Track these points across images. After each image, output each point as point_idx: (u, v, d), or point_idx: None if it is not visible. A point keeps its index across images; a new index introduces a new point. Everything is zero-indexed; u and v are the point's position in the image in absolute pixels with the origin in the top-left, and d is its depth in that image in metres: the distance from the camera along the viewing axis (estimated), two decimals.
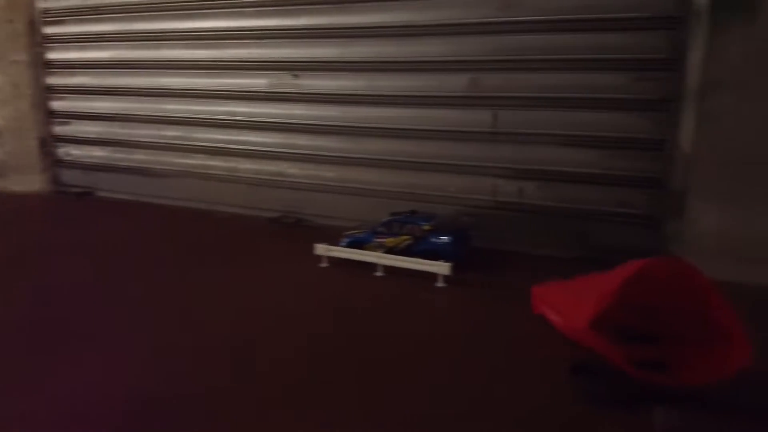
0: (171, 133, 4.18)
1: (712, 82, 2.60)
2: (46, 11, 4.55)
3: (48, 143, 4.72)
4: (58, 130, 4.70)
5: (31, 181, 4.74)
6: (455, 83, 3.24)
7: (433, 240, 2.86)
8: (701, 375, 1.76)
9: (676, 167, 2.71)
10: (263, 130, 3.84)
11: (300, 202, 3.79)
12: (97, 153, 4.55)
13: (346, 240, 3.02)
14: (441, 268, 2.64)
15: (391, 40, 3.39)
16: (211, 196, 4.06)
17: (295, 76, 3.64)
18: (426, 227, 2.88)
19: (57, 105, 4.67)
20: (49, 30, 4.58)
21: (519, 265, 2.99)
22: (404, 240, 2.91)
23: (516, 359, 2.03)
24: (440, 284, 2.67)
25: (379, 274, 2.83)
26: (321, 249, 2.96)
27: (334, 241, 3.01)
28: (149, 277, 2.87)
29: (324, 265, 2.95)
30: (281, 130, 3.79)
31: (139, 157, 4.35)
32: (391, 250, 2.90)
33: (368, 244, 2.97)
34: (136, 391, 1.83)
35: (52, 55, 4.62)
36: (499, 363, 2.01)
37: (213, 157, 4.04)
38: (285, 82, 3.69)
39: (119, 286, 2.75)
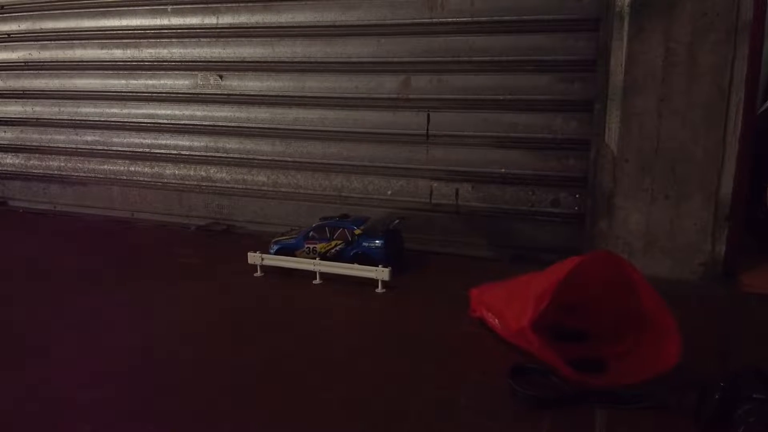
0: (89, 137, 3.96)
1: (634, 83, 2.66)
2: None
3: None
4: None
5: None
6: (386, 85, 3.21)
7: (365, 244, 2.83)
8: (637, 372, 1.80)
9: (603, 167, 2.78)
10: (188, 134, 3.70)
11: (230, 208, 3.68)
12: (9, 160, 4.27)
13: (275, 247, 2.94)
14: (380, 273, 2.62)
15: (319, 39, 3.31)
16: (135, 204, 3.89)
17: (220, 76, 3.52)
18: (357, 231, 2.85)
19: None
20: None
21: (457, 268, 3.00)
22: (336, 244, 2.86)
23: (456, 363, 2.02)
24: (380, 290, 2.64)
25: (316, 282, 2.78)
26: (254, 258, 2.87)
27: (266, 249, 2.94)
28: (65, 298, 2.68)
29: (258, 274, 2.87)
30: (207, 133, 3.65)
31: (55, 164, 4.11)
32: (323, 256, 2.85)
33: (299, 250, 2.90)
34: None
35: None
36: (441, 367, 2.00)
37: (135, 163, 3.86)
38: (210, 83, 3.56)
39: (29, 308, 2.57)
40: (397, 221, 2.97)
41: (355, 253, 2.81)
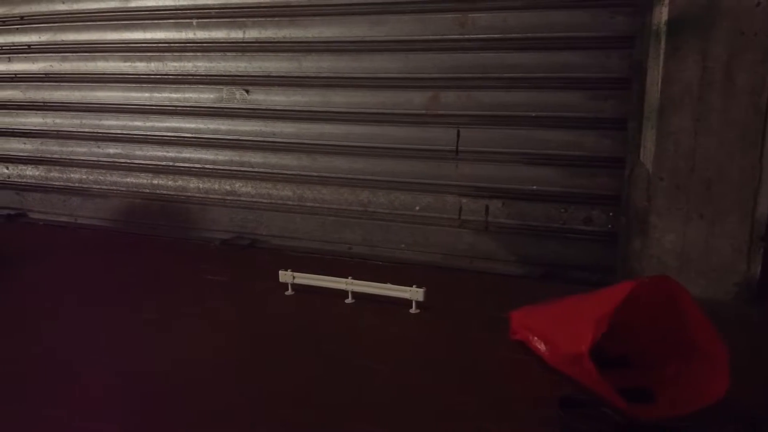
0: (111, 150, 3.94)
1: (670, 101, 2.65)
2: None
3: None
4: None
5: None
6: (414, 100, 3.19)
7: None
8: (686, 403, 1.77)
9: (638, 185, 2.76)
10: (212, 147, 3.68)
11: (254, 222, 3.66)
12: (29, 172, 4.25)
13: None
14: (415, 294, 2.60)
15: (346, 54, 3.30)
16: (157, 217, 3.87)
17: (246, 91, 3.50)
18: None
19: None
20: None
21: (487, 287, 2.98)
22: None
23: (499, 392, 1.99)
24: (413, 310, 2.62)
25: (348, 300, 2.75)
26: (285, 276, 2.85)
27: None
28: (89, 316, 2.65)
29: (289, 292, 2.85)
30: (232, 147, 3.64)
31: (76, 176, 4.09)
32: None
33: None
34: None
35: None
36: (483, 396, 1.97)
37: (158, 176, 3.85)
38: (235, 97, 3.54)
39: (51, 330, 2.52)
40: None
41: None
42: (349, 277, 2.77)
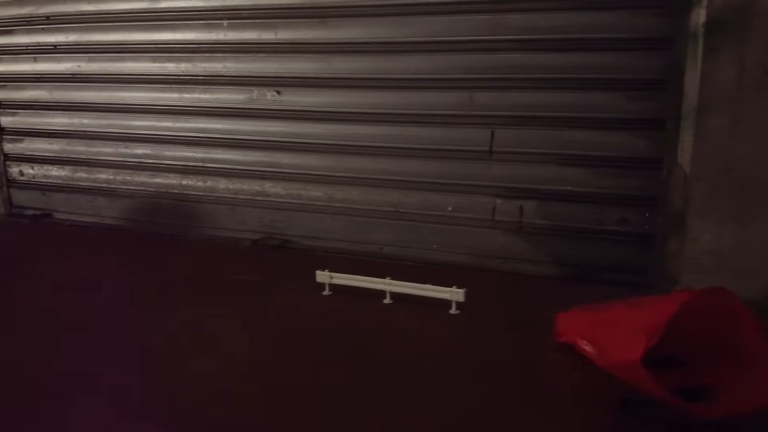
0: (139, 151, 3.95)
1: (707, 103, 2.65)
2: None
3: None
4: (10, 147, 4.38)
5: None
6: (446, 101, 3.20)
7: None
8: (745, 404, 1.79)
9: (675, 186, 2.77)
10: (242, 148, 3.68)
11: (283, 223, 3.67)
12: (55, 173, 4.26)
13: None
14: (455, 294, 2.61)
15: (378, 55, 3.31)
16: (185, 218, 3.88)
17: (278, 92, 3.51)
18: None
19: (7, 121, 4.35)
20: None
21: (522, 288, 2.99)
22: None
23: (550, 393, 2.02)
24: (453, 311, 2.64)
25: (387, 301, 2.77)
26: (323, 276, 2.87)
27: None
28: (125, 318, 2.66)
29: (326, 293, 2.86)
30: (262, 147, 3.64)
31: (103, 176, 4.10)
32: None
33: None
34: None
35: (0, 68, 4.28)
36: (534, 397, 1.99)
37: (187, 176, 3.86)
38: (266, 98, 3.55)
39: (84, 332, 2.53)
40: None
41: None
42: (388, 278, 2.78)
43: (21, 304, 2.87)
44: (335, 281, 2.86)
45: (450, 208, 3.28)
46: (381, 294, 2.78)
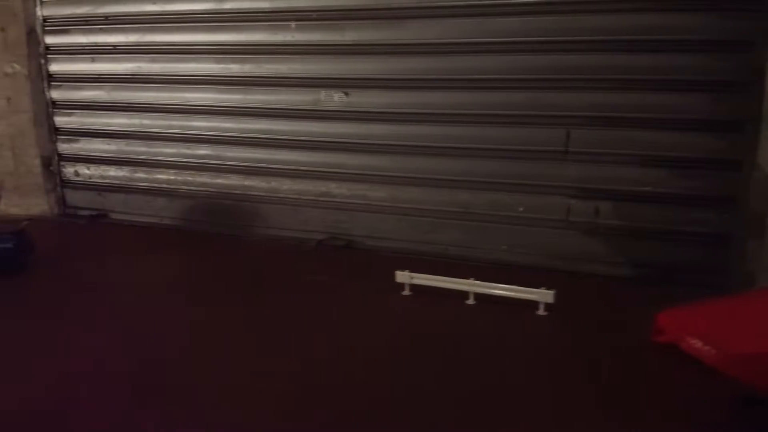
0: (200, 151, 3.97)
1: None
2: (47, 19, 4.22)
3: (53, 162, 4.41)
4: (65, 148, 4.39)
5: (33, 204, 4.41)
6: (517, 101, 3.21)
7: None
8: None
9: (756, 188, 2.78)
10: (307, 149, 3.70)
11: (347, 223, 3.68)
12: (112, 173, 4.28)
13: None
14: (544, 296, 2.62)
15: (446, 56, 3.32)
16: (248, 218, 3.89)
17: (346, 93, 3.52)
18: None
19: (62, 121, 4.36)
20: (52, 40, 4.25)
21: (600, 289, 2.99)
22: None
23: (661, 395, 2.01)
24: (541, 312, 2.64)
25: (469, 302, 2.78)
26: (403, 276, 2.88)
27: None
28: (206, 316, 2.69)
29: (406, 293, 2.88)
30: (326, 149, 3.66)
31: (163, 177, 4.12)
32: None
33: None
34: None
35: (56, 68, 4.30)
36: (646, 400, 1.98)
37: (250, 177, 3.87)
38: (333, 99, 3.56)
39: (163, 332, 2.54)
40: (25, 222, 3.00)
41: None
42: (472, 278, 2.79)
43: (126, 304, 2.86)
44: (415, 281, 2.87)
45: (521, 209, 3.29)
46: (462, 294, 2.79)
